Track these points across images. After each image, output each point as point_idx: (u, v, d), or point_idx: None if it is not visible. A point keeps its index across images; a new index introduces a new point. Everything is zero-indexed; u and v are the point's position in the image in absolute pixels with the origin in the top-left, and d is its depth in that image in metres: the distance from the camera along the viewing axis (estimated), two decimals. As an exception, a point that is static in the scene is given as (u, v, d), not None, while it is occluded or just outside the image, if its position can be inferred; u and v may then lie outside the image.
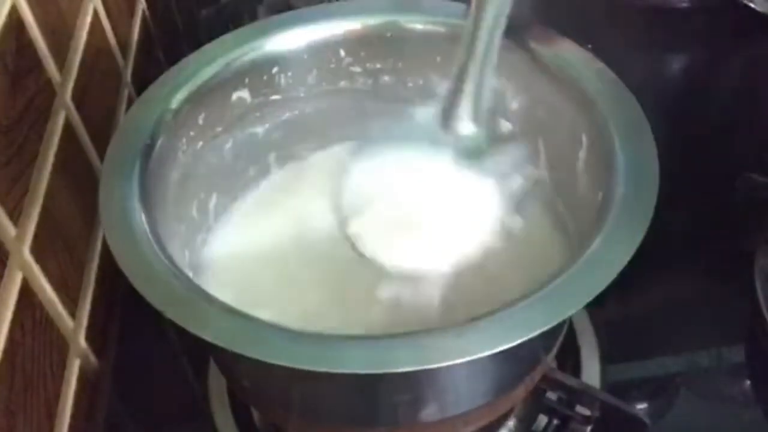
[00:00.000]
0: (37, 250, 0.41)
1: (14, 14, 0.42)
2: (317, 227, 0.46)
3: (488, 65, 0.41)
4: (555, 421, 0.44)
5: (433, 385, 0.35)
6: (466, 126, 0.42)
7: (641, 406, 0.44)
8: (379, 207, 0.42)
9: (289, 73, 0.45)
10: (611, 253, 0.32)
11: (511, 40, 0.43)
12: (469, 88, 0.41)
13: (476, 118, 0.42)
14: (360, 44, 0.46)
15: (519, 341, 0.29)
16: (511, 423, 0.44)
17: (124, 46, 0.65)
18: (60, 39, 0.49)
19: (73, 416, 0.43)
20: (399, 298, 0.42)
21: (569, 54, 0.42)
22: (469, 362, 0.29)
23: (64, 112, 0.48)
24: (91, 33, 0.55)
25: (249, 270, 0.45)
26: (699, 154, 0.58)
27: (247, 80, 0.44)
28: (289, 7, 0.51)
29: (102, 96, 0.57)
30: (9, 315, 0.37)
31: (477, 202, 0.43)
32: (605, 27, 0.68)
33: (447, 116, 0.42)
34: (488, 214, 0.43)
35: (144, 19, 0.74)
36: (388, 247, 0.41)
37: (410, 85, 0.47)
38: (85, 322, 0.47)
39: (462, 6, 0.45)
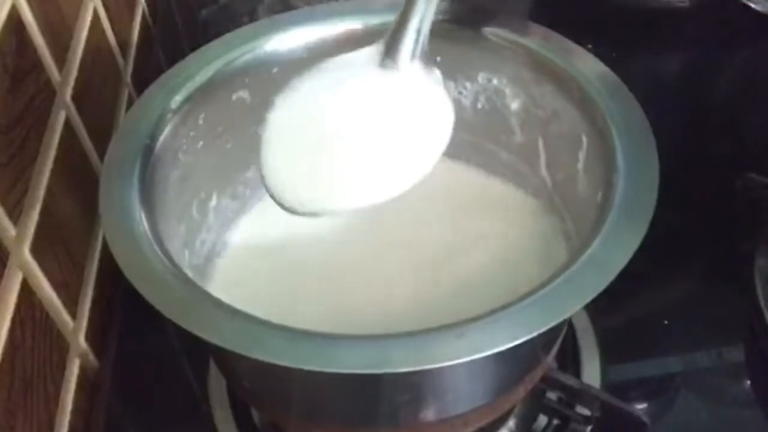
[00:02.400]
0: (37, 250, 0.41)
1: (14, 14, 0.42)
2: (319, 228, 0.47)
3: (432, 6, 0.39)
4: (555, 421, 0.44)
5: (433, 385, 0.35)
6: (405, 64, 0.40)
7: (641, 406, 0.44)
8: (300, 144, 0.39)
9: (290, 73, 0.45)
10: (611, 253, 0.32)
11: (511, 41, 0.43)
12: (412, 27, 0.39)
13: (415, 58, 0.40)
14: (360, 44, 0.46)
15: (519, 341, 0.29)
16: (511, 423, 0.44)
17: (124, 46, 0.65)
18: (60, 39, 0.49)
19: (73, 416, 0.43)
20: (402, 299, 0.42)
21: (569, 54, 0.42)
22: (469, 362, 0.29)
23: (64, 112, 0.48)
24: (91, 33, 0.55)
25: (249, 270, 0.45)
26: (699, 154, 0.58)
27: (247, 80, 0.44)
28: (289, 7, 0.51)
29: (102, 96, 0.57)
30: (9, 315, 0.37)
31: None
32: (605, 27, 0.68)
33: (386, 54, 0.40)
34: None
35: (144, 19, 0.74)
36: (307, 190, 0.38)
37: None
38: (85, 322, 0.47)
39: (461, 5, 0.45)
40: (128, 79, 0.65)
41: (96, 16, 0.58)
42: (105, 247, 0.50)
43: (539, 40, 0.43)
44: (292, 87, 0.39)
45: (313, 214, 0.38)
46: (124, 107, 0.62)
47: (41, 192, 0.43)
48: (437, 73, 0.40)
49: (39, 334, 0.40)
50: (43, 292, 0.41)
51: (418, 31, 0.39)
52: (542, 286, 0.31)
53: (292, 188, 0.38)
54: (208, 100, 0.43)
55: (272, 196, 0.38)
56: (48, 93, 0.46)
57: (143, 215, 0.35)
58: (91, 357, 0.47)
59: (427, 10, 0.38)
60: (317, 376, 0.30)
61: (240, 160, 0.47)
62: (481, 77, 0.46)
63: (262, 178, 0.38)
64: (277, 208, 0.47)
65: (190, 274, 0.35)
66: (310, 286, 0.43)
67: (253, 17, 0.70)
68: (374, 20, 0.45)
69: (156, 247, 0.34)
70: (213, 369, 0.46)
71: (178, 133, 0.41)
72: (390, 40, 0.39)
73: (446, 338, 0.30)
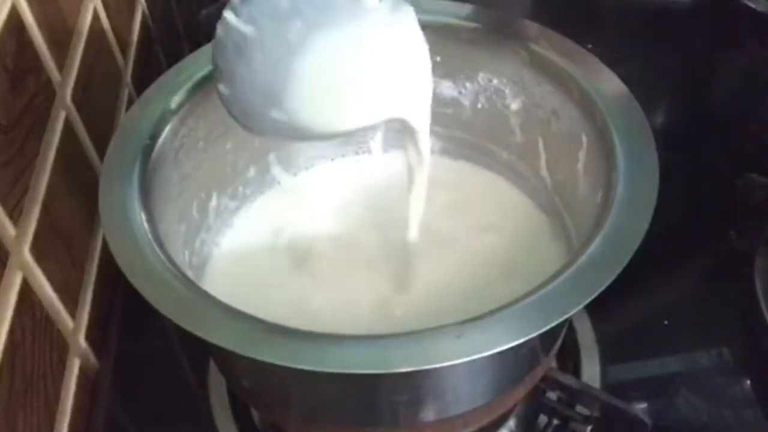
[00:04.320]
0: (37, 250, 0.41)
1: (14, 14, 0.42)
2: (319, 227, 0.47)
3: None
4: (555, 421, 0.44)
5: (433, 385, 0.35)
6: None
7: (641, 406, 0.44)
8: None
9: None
10: (611, 253, 0.32)
11: (511, 41, 0.43)
12: None
13: None
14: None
15: (519, 341, 0.29)
16: (511, 422, 0.44)
17: (124, 46, 0.65)
18: (60, 39, 0.49)
19: (73, 416, 0.43)
20: (401, 298, 0.42)
21: (569, 54, 0.42)
22: (469, 362, 0.29)
23: (64, 112, 0.48)
24: (91, 33, 0.55)
25: (249, 270, 0.45)
26: (699, 154, 0.58)
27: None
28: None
29: (102, 96, 0.57)
30: (9, 315, 0.37)
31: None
32: (605, 27, 0.68)
33: None
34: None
35: (144, 19, 0.74)
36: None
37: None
38: (85, 322, 0.47)
39: (461, 6, 0.45)
40: (128, 79, 0.65)
41: (96, 16, 0.58)
42: (105, 247, 0.50)
43: (539, 40, 0.43)
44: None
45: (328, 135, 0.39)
46: (124, 107, 0.62)
47: (41, 192, 0.43)
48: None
49: (39, 334, 0.40)
50: (43, 292, 0.41)
51: None
52: (542, 286, 0.31)
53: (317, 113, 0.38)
54: (208, 100, 0.42)
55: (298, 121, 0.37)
56: (48, 93, 0.46)
57: (143, 215, 0.35)
58: (91, 357, 0.47)
59: None
60: (317, 376, 0.30)
61: (240, 160, 0.47)
62: (481, 77, 0.46)
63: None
64: (276, 207, 0.48)
65: (190, 274, 0.35)
66: (309, 285, 0.43)
67: (253, 17, 0.70)
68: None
69: (156, 247, 0.34)
70: (213, 369, 0.46)
71: (178, 133, 0.41)
72: None
73: (446, 338, 0.29)
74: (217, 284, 0.44)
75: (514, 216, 0.47)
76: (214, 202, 0.45)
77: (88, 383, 0.46)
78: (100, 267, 0.50)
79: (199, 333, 0.30)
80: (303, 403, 0.38)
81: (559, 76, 0.41)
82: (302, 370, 0.29)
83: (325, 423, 0.39)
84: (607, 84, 0.40)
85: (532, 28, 0.44)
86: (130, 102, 0.63)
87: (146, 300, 0.31)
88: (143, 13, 0.74)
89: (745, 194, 0.53)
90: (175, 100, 0.41)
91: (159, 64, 0.71)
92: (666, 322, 0.48)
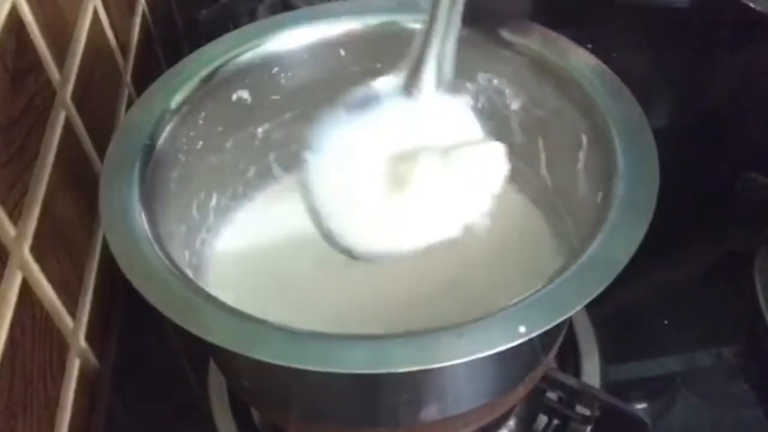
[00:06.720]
0: (37, 250, 0.41)
1: (14, 14, 0.42)
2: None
3: (452, 32, 0.39)
4: (555, 421, 0.44)
5: (433, 385, 0.35)
6: (429, 93, 0.40)
7: (641, 406, 0.44)
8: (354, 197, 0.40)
9: (290, 73, 0.45)
10: (611, 253, 0.32)
11: (511, 41, 0.43)
12: (432, 54, 0.39)
13: (440, 86, 0.40)
14: (360, 44, 0.46)
15: (519, 341, 0.29)
16: (511, 422, 0.44)
17: (124, 46, 0.65)
18: (60, 39, 0.49)
19: (73, 416, 0.43)
20: (397, 300, 0.42)
21: (569, 54, 0.42)
22: (469, 362, 0.29)
23: (64, 112, 0.48)
24: (91, 33, 0.55)
25: (249, 270, 0.45)
26: (698, 153, 0.58)
27: (247, 80, 0.44)
28: (289, 7, 0.51)
29: (102, 96, 0.57)
30: (9, 315, 0.37)
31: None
32: (605, 27, 0.68)
33: (410, 84, 0.40)
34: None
35: (144, 19, 0.74)
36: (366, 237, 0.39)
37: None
38: (85, 322, 0.47)
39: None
40: (128, 79, 0.65)
41: (96, 16, 0.58)
42: (105, 247, 0.50)
43: (539, 40, 0.43)
44: (325, 132, 0.40)
45: (370, 257, 0.39)
46: (124, 107, 0.62)
47: (41, 192, 0.43)
48: (466, 99, 0.41)
49: (39, 334, 0.40)
50: (43, 292, 0.41)
51: (439, 57, 0.39)
52: (542, 286, 0.31)
53: (353, 232, 0.39)
54: (208, 100, 0.43)
55: (330, 238, 0.39)
56: (48, 93, 0.46)
57: (143, 215, 0.35)
58: (91, 357, 0.47)
59: (448, 32, 0.38)
60: (317, 376, 0.30)
61: (240, 160, 0.47)
62: (481, 77, 0.46)
63: (319, 219, 0.39)
64: (275, 207, 0.48)
65: (190, 274, 0.35)
66: (309, 285, 0.43)
67: (253, 17, 0.70)
68: (374, 20, 0.46)
69: (156, 247, 0.34)
70: (213, 369, 0.46)
71: (178, 133, 0.41)
72: (411, 69, 0.39)
73: (446, 338, 0.29)
74: (217, 284, 0.44)
75: (515, 215, 0.47)
76: (214, 202, 0.45)
77: (88, 383, 0.46)
78: (100, 267, 0.50)
79: (199, 333, 0.30)
80: (303, 403, 0.38)
81: (559, 76, 0.41)
82: (302, 370, 0.29)
83: (325, 423, 0.39)
84: (607, 84, 0.40)
85: (532, 28, 0.44)
86: (130, 102, 0.63)
87: (146, 300, 0.31)
88: (143, 13, 0.74)
89: (745, 194, 0.53)
90: (175, 100, 0.41)
91: (159, 64, 0.71)
92: (666, 322, 0.48)
